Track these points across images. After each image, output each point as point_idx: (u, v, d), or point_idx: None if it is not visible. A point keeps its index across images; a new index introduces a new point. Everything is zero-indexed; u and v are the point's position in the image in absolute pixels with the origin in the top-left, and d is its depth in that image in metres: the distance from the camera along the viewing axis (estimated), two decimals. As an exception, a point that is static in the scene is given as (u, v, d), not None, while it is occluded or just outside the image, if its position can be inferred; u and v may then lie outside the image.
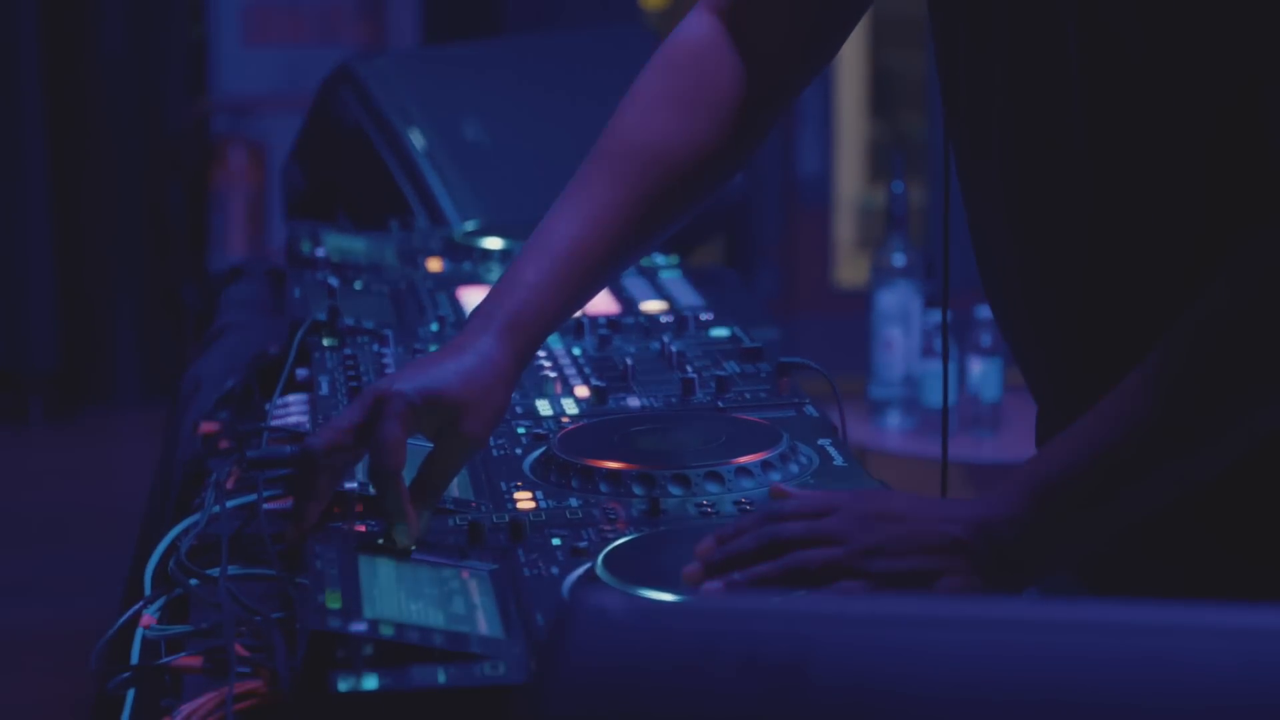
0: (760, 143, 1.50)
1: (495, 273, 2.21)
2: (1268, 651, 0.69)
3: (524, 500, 1.46)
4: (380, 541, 1.34)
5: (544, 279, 1.42)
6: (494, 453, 1.56)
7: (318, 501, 1.37)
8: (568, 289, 1.43)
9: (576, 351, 1.86)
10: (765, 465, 1.48)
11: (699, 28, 1.50)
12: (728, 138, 1.47)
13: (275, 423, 1.71)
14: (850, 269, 6.13)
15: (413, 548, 1.34)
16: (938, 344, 3.52)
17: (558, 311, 1.43)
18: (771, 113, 1.50)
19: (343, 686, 1.12)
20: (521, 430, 1.61)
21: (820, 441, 1.56)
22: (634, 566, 1.26)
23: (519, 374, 1.42)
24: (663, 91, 1.47)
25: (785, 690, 0.71)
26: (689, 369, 1.77)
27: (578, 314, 1.52)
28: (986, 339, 3.54)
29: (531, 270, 1.42)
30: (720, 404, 1.69)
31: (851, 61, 6.10)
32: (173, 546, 1.47)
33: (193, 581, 1.40)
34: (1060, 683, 0.70)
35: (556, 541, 1.36)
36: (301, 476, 1.37)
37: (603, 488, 1.47)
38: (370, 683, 1.13)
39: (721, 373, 1.75)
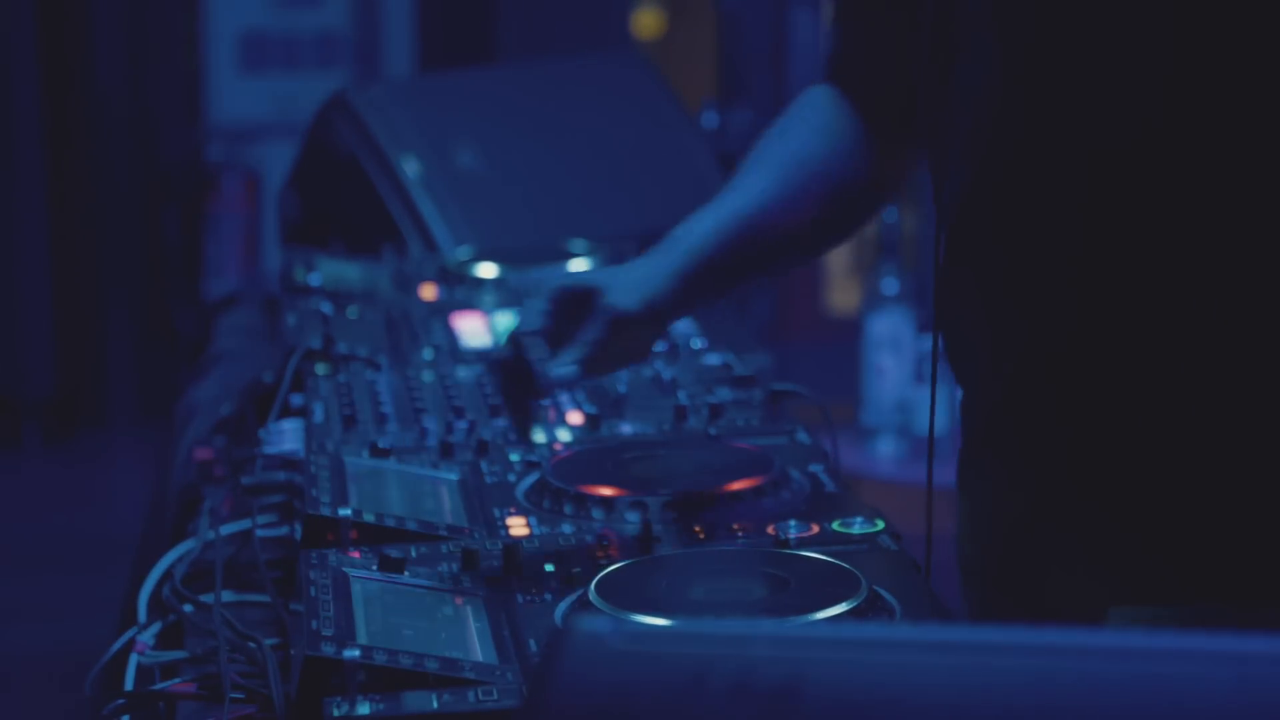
0: (867, 220, 1.60)
1: (488, 299, 2.22)
2: (1246, 677, 0.70)
3: (517, 527, 1.46)
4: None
5: (696, 222, 1.50)
6: (487, 479, 1.57)
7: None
8: (725, 234, 1.50)
9: (570, 378, 1.86)
10: (757, 492, 1.49)
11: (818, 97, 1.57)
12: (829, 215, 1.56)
13: (269, 449, 1.71)
14: (843, 295, 6.13)
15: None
16: (929, 370, 3.52)
17: (710, 237, 1.49)
18: (879, 193, 1.58)
19: (336, 712, 1.13)
20: (515, 457, 1.62)
21: (812, 468, 1.57)
22: (627, 592, 1.27)
23: (678, 271, 1.47)
24: (771, 159, 1.55)
25: (777, 716, 0.71)
26: (681, 396, 1.77)
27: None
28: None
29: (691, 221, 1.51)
30: (712, 431, 1.69)
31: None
32: (168, 572, 1.48)
33: (187, 607, 1.41)
34: (1053, 706, 0.70)
35: (550, 568, 1.37)
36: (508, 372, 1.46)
37: (596, 514, 1.48)
38: (364, 709, 1.13)
39: (714, 399, 1.75)
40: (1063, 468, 1.36)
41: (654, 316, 1.46)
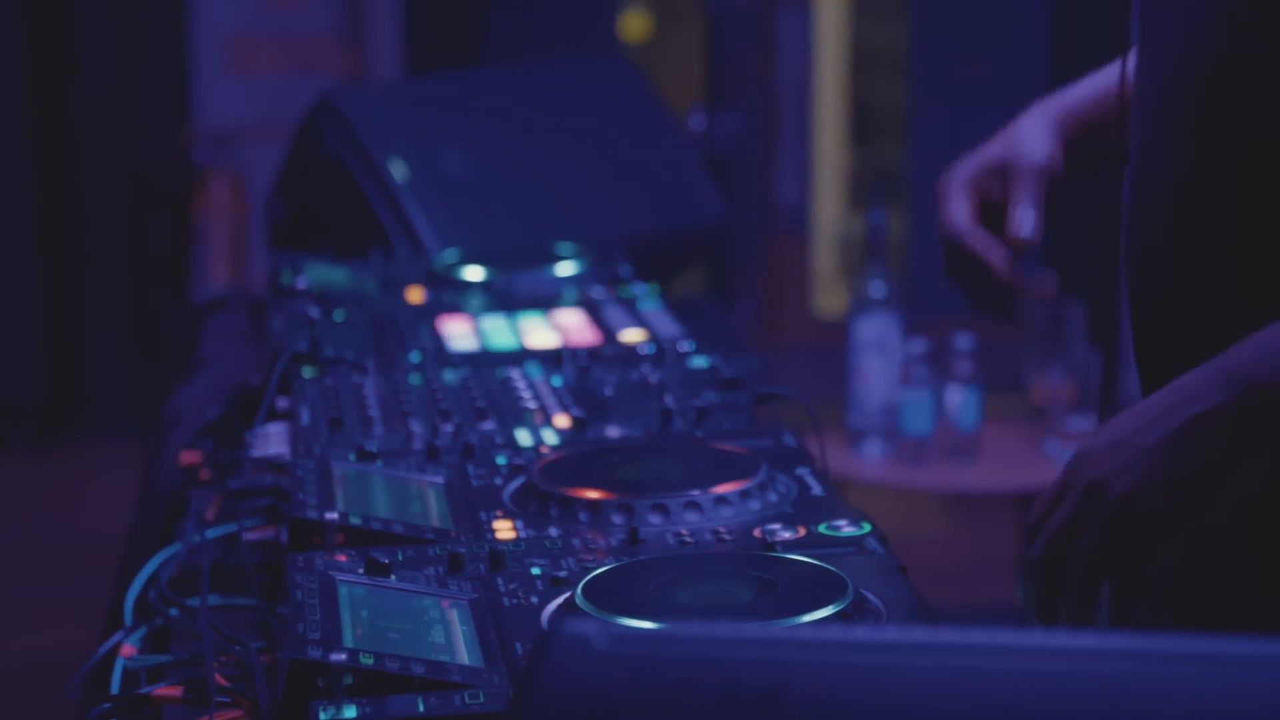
0: None
1: (475, 302, 2.22)
2: (1252, 679, 0.70)
3: (504, 530, 1.46)
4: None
5: (1071, 89, 1.53)
6: (474, 483, 1.57)
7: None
8: (1099, 103, 1.52)
9: (556, 382, 1.87)
10: (744, 495, 1.49)
11: None
12: None
13: (256, 453, 1.71)
14: (830, 298, 6.15)
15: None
16: (916, 373, 3.53)
17: (1084, 102, 1.52)
18: None
19: (323, 716, 1.13)
20: (501, 460, 1.62)
21: (798, 471, 1.57)
22: (613, 596, 1.27)
23: (1060, 126, 1.50)
24: None
25: (764, 718, 0.71)
26: (668, 399, 1.77)
27: None
28: (965, 368, 3.55)
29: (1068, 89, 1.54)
30: (699, 434, 1.69)
31: (831, 91, 6.13)
32: (154, 576, 1.48)
33: (173, 611, 1.41)
34: (1042, 708, 0.70)
35: (536, 571, 1.37)
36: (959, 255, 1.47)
37: (582, 517, 1.48)
38: (350, 712, 1.13)
39: (700, 403, 1.75)
40: None
41: (1056, 165, 1.48)
